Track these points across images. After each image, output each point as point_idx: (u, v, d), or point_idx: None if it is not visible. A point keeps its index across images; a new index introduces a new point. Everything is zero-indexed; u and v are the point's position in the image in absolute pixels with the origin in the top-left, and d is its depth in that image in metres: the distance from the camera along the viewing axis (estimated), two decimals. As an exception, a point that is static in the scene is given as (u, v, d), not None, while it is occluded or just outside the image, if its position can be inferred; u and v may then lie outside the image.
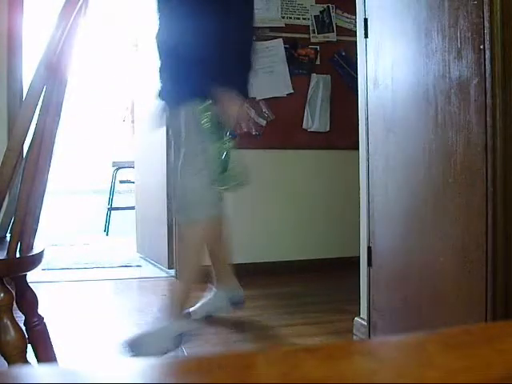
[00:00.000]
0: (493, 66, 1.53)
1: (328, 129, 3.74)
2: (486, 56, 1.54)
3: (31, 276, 1.39)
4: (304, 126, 3.70)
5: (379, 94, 2.11)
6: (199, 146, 2.15)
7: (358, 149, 2.28)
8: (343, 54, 3.73)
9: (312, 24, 3.70)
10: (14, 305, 1.21)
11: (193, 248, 2.17)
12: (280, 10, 3.65)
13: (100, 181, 8.83)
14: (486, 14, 1.53)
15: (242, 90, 2.20)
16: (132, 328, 2.43)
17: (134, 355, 1.97)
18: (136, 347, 1.99)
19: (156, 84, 2.35)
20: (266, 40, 3.58)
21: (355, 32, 2.37)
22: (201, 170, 2.14)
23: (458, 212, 1.71)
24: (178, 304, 2.15)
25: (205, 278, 2.33)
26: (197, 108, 2.15)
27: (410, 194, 1.95)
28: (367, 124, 2.19)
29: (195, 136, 2.16)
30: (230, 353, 0.34)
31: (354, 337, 2.28)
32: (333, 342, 2.09)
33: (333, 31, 3.75)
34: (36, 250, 1.24)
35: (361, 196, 2.26)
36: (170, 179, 3.45)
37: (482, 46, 1.56)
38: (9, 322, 1.16)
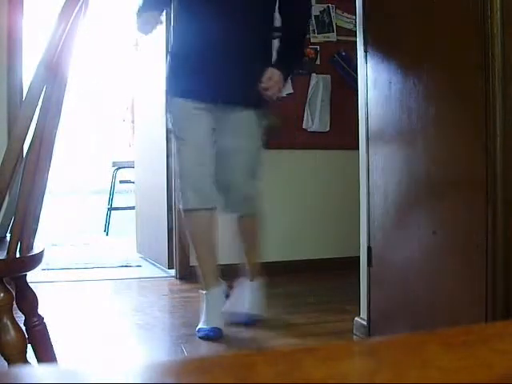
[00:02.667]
0: (493, 66, 1.53)
1: (328, 129, 3.73)
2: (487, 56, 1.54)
3: (31, 276, 1.39)
4: (304, 126, 3.70)
5: (379, 94, 2.11)
6: (260, 150, 2.45)
7: (358, 149, 2.28)
8: (343, 54, 3.73)
9: (312, 24, 3.69)
10: (14, 305, 1.21)
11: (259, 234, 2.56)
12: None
13: (100, 181, 8.83)
14: (486, 14, 1.53)
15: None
16: (132, 328, 2.44)
17: None
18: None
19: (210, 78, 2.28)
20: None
21: (355, 32, 2.36)
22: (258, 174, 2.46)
23: (457, 212, 1.71)
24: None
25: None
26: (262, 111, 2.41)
27: (409, 195, 1.95)
28: (367, 124, 2.19)
29: (258, 140, 2.43)
30: (230, 353, 0.34)
31: (354, 337, 2.28)
32: (333, 342, 2.09)
33: (333, 31, 3.74)
34: (36, 250, 1.24)
35: (361, 196, 2.26)
36: (170, 179, 3.45)
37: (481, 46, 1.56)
38: (9, 322, 1.16)
